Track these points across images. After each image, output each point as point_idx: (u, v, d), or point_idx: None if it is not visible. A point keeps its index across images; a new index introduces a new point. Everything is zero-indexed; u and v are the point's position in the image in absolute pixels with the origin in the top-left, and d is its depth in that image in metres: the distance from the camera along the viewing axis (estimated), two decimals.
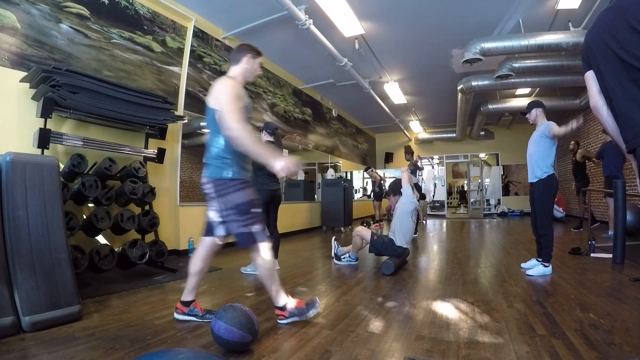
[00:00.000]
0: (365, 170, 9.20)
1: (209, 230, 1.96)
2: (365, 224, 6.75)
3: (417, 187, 5.75)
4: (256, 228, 1.85)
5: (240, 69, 1.97)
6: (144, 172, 3.26)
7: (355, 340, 1.74)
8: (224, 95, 1.78)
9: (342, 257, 3.78)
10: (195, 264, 1.99)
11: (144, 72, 3.89)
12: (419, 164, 6.62)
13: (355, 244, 3.69)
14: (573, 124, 2.87)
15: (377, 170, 9.62)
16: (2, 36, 2.71)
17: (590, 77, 1.31)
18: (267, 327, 1.91)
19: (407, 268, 3.50)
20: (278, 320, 1.98)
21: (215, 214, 1.89)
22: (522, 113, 3.42)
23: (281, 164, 1.67)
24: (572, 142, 6.50)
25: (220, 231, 1.90)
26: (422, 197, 7.03)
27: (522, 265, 3.32)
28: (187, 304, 2.02)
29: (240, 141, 1.72)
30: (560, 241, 4.90)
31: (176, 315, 2.04)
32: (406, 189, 3.59)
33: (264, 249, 1.88)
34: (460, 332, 1.81)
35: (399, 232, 3.43)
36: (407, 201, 3.54)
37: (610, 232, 4.76)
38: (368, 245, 3.55)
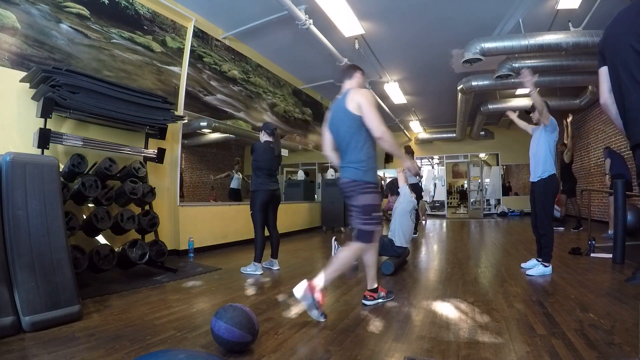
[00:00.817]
0: None
1: None
2: None
3: (416, 188, 5.73)
4: (370, 228, 2.09)
5: (355, 83, 2.27)
6: (144, 172, 3.26)
7: (355, 340, 1.74)
8: (370, 105, 2.06)
9: None
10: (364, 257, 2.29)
11: (144, 72, 3.89)
12: (420, 172, 6.59)
13: None
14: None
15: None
16: (2, 36, 2.71)
17: (603, 74, 1.27)
18: (267, 327, 1.91)
19: (407, 268, 3.50)
20: (294, 291, 2.04)
21: (350, 210, 2.15)
22: (526, 112, 3.40)
23: (408, 163, 2.46)
24: (559, 145, 6.46)
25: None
26: (419, 197, 7.02)
27: (522, 265, 3.32)
28: (374, 290, 2.33)
29: (387, 140, 2.03)
30: (560, 241, 4.89)
31: (366, 302, 2.32)
32: (403, 188, 3.59)
33: (358, 249, 2.11)
34: (460, 332, 1.81)
35: (399, 232, 3.43)
36: (405, 200, 3.54)
37: (610, 232, 4.76)
38: None
